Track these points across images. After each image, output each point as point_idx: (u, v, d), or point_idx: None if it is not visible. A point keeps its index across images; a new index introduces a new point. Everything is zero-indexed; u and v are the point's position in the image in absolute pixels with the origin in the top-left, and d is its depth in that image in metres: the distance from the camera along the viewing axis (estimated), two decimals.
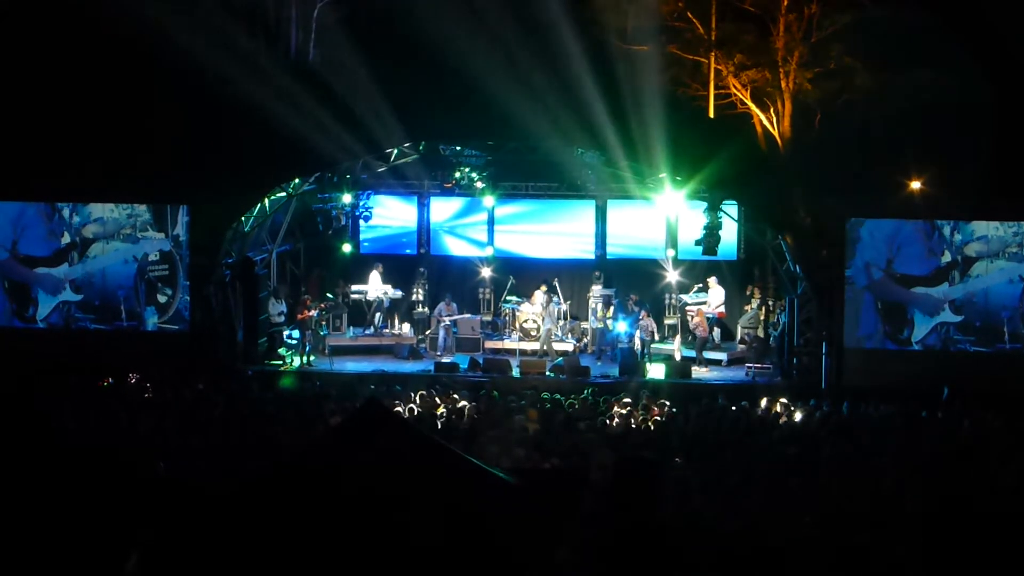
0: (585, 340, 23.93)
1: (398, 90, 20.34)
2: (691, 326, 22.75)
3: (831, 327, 20.10)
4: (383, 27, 24.32)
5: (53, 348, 20.80)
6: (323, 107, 19.91)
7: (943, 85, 21.48)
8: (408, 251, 25.37)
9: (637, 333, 22.03)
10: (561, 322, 23.66)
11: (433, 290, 24.66)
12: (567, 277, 24.60)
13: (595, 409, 16.83)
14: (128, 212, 21.19)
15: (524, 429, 14.70)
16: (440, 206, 25.33)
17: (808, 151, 22.13)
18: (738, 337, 23.65)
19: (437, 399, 17.04)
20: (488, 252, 24.80)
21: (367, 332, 23.89)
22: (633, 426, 15.66)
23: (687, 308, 23.30)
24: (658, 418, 16.24)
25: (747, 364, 21.79)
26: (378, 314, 23.96)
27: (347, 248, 24.05)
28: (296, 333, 22.86)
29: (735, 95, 23.36)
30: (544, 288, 23.49)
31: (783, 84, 22.70)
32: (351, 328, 24.16)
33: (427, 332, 23.81)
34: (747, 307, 23.88)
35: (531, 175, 24.25)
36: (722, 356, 22.60)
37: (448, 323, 23.23)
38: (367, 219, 23.73)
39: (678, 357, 22.13)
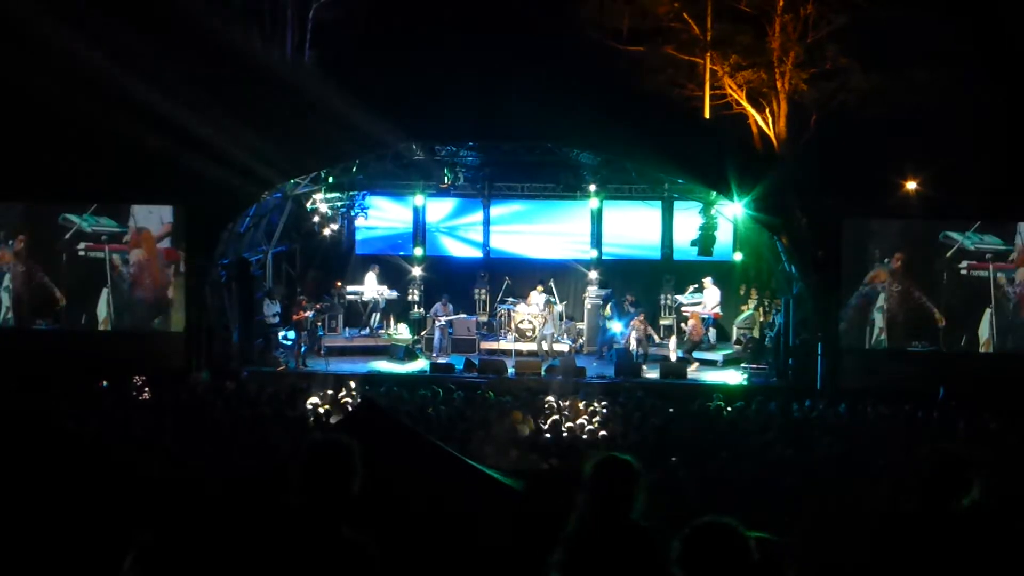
0: (581, 341, 23.94)
1: (395, 90, 20.34)
2: (686, 328, 22.72)
3: (826, 328, 20.11)
4: (379, 27, 24.30)
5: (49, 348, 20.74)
6: (319, 106, 19.89)
7: (939, 85, 21.52)
8: (403, 252, 25.38)
9: (632, 334, 22.06)
10: (558, 323, 23.66)
11: (429, 291, 24.66)
12: (563, 278, 24.61)
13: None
14: None
15: (515, 430, 14.67)
16: (436, 206, 25.34)
17: (804, 151, 22.16)
18: (734, 338, 23.67)
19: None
20: (484, 253, 24.81)
21: (363, 333, 23.88)
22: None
23: (683, 309, 23.32)
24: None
25: (742, 365, 21.81)
26: (374, 315, 23.95)
27: (343, 249, 24.06)
28: (292, 334, 22.85)
29: (731, 95, 23.42)
30: (540, 289, 23.49)
31: (779, 84, 22.76)
32: (347, 329, 24.16)
33: (423, 333, 23.80)
34: (743, 308, 23.90)
35: (527, 175, 24.25)
36: (717, 357, 22.62)
37: (444, 324, 23.22)
38: (361, 217, 23.75)
39: (673, 358, 22.15)
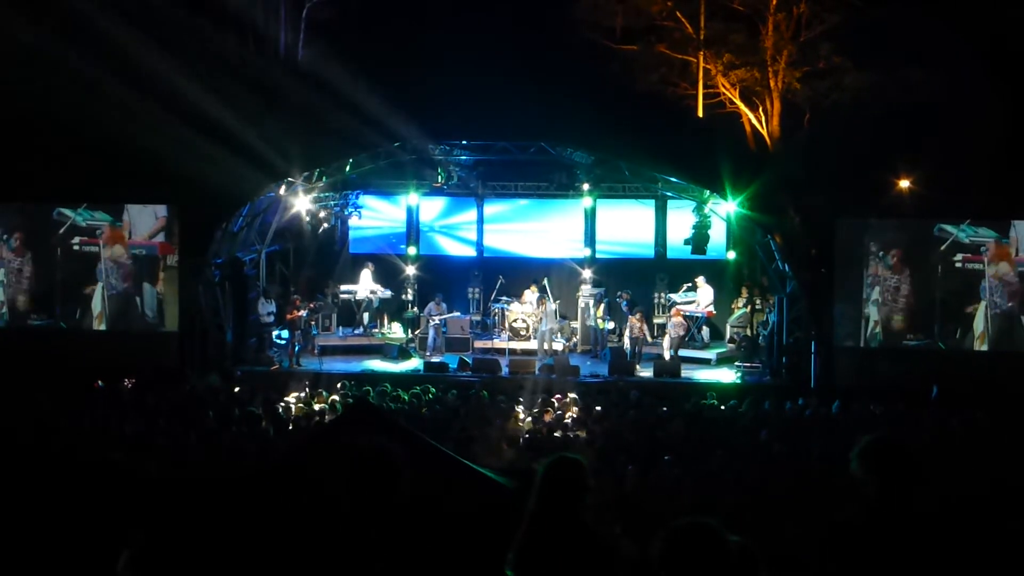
0: (575, 339, 23.96)
1: (388, 90, 20.33)
2: (668, 325, 22.63)
3: (820, 326, 20.15)
4: (372, 26, 24.28)
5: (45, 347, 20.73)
6: (312, 106, 19.89)
7: (932, 84, 21.53)
8: (397, 251, 25.39)
9: (627, 332, 22.10)
10: (556, 321, 23.67)
11: (423, 290, 24.66)
12: (556, 276, 24.63)
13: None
14: None
15: (514, 429, 14.70)
16: (429, 205, 25.35)
17: (797, 150, 22.17)
18: (727, 336, 23.70)
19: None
20: (478, 252, 24.83)
21: (356, 332, 23.88)
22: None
23: (676, 307, 23.34)
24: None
25: (736, 363, 21.84)
26: (368, 314, 23.95)
27: (336, 249, 24.07)
28: (285, 333, 22.84)
29: (724, 94, 23.41)
30: (534, 288, 23.50)
31: (772, 83, 22.75)
32: (340, 328, 24.15)
33: (417, 332, 23.81)
34: (735, 305, 23.93)
35: (520, 175, 24.27)
36: (711, 355, 22.64)
37: (438, 323, 23.23)
38: (354, 216, 23.76)
39: (667, 357, 22.16)
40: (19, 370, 17.82)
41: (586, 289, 23.93)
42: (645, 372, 21.31)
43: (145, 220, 21.15)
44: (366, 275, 24.03)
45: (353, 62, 21.78)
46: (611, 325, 22.37)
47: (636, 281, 24.19)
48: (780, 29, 22.70)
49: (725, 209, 21.93)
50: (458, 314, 23.82)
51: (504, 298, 23.80)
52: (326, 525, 4.35)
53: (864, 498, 4.68)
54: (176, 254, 21.03)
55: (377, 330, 23.79)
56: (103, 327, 21.14)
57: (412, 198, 25.00)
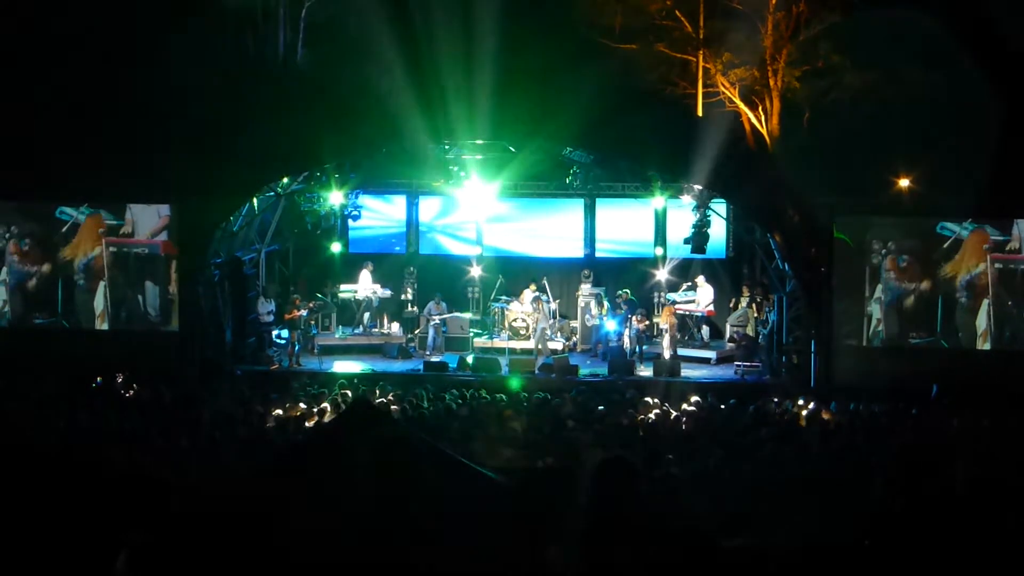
0: (574, 339, 23.94)
1: (387, 89, 20.32)
2: (663, 326, 22.60)
3: (820, 325, 20.13)
4: (371, 26, 24.25)
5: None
6: (312, 106, 19.87)
7: (932, 83, 21.53)
8: (397, 250, 25.37)
9: (626, 332, 22.09)
10: (551, 321, 23.66)
11: (422, 289, 24.63)
12: (556, 276, 24.60)
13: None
14: None
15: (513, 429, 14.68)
16: (429, 205, 25.33)
17: (796, 149, 22.16)
18: (727, 335, 23.68)
19: None
20: (477, 251, 24.80)
21: (356, 331, 23.86)
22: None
23: (675, 306, 23.32)
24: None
25: (736, 362, 21.82)
26: (367, 313, 23.93)
27: (336, 248, 24.05)
28: (285, 332, 22.83)
29: (723, 93, 23.39)
30: (533, 287, 23.49)
31: (771, 82, 22.73)
32: (340, 327, 24.14)
33: (416, 331, 23.79)
34: (732, 303, 23.92)
35: (520, 174, 24.20)
36: (711, 354, 22.63)
37: (437, 322, 23.21)
38: (356, 218, 23.74)
39: (667, 356, 22.13)
40: (22, 369, 17.85)
41: (585, 288, 23.93)
42: (645, 372, 21.30)
43: (148, 219, 21.11)
44: (365, 275, 24.02)
45: (351, 62, 21.78)
46: (613, 325, 22.32)
47: (635, 280, 24.15)
48: (779, 28, 22.68)
49: (725, 208, 21.95)
50: (457, 313, 23.80)
51: (504, 297, 23.78)
52: (326, 523, 4.34)
53: (867, 498, 4.69)
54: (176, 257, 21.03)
55: (377, 329, 23.77)
56: (105, 326, 21.10)
57: (411, 198, 24.98)
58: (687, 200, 21.68)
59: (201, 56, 21.35)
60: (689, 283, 23.47)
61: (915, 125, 21.50)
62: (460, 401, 16.77)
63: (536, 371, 21.03)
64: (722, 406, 17.31)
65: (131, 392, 17.74)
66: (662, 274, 23.81)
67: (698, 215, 21.16)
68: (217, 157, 19.52)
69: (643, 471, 4.98)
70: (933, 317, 20.10)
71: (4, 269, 21.25)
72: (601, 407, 16.53)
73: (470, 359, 21.51)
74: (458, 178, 22.88)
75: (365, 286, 23.90)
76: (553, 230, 25.12)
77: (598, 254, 24.81)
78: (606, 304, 23.17)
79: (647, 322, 22.51)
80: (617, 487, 4.89)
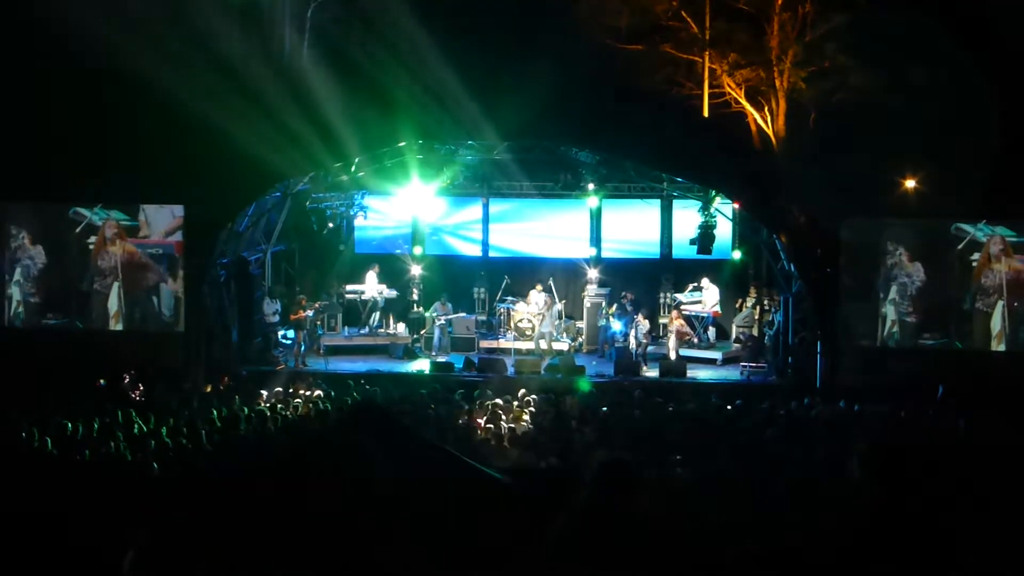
0: (580, 339, 23.94)
1: (393, 89, 20.32)
2: (670, 328, 22.58)
3: (825, 326, 20.11)
4: (376, 25, 24.29)
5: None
6: (318, 106, 19.87)
7: (937, 84, 21.51)
8: (403, 251, 25.36)
9: (632, 333, 22.09)
10: (557, 321, 23.67)
11: (428, 290, 24.63)
12: (562, 276, 24.59)
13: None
14: None
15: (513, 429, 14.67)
16: (435, 205, 25.32)
17: (802, 150, 22.15)
18: (733, 336, 23.67)
19: None
20: (483, 252, 24.82)
21: (362, 332, 23.88)
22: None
23: (682, 307, 23.32)
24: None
25: (742, 363, 21.81)
26: (374, 314, 23.94)
27: (342, 249, 24.06)
28: (291, 333, 22.85)
29: (729, 94, 23.40)
30: (540, 288, 23.49)
31: (777, 83, 22.74)
32: (346, 328, 24.16)
33: (422, 332, 23.80)
34: (738, 303, 23.90)
35: (526, 174, 24.22)
36: (717, 355, 22.62)
37: (443, 323, 23.22)
38: (360, 216, 23.76)
39: (673, 356, 22.13)
40: (34, 369, 17.90)
41: (592, 289, 23.92)
42: (651, 372, 21.31)
43: (162, 219, 21.16)
44: (371, 275, 24.03)
45: (356, 61, 21.78)
46: (619, 326, 22.32)
47: (642, 281, 24.16)
48: (785, 29, 22.70)
49: (731, 209, 21.91)
50: (463, 314, 23.81)
51: (509, 298, 23.78)
52: (326, 521, 4.35)
53: (864, 499, 4.68)
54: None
55: (383, 330, 23.78)
56: (119, 327, 21.15)
57: (418, 197, 24.95)
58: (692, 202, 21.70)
59: (206, 56, 21.33)
60: (695, 284, 23.46)
61: (922, 125, 21.46)
62: (466, 402, 16.76)
63: (542, 371, 21.03)
64: (728, 407, 17.30)
65: (137, 392, 17.78)
66: (667, 275, 23.81)
67: (704, 216, 21.15)
68: (223, 157, 19.53)
69: (647, 473, 4.96)
70: (947, 318, 20.07)
71: (17, 270, 21.31)
72: (604, 407, 16.54)
73: (476, 360, 21.52)
74: (462, 178, 22.91)
75: (371, 287, 23.92)
76: (559, 230, 25.10)
77: (604, 254, 24.76)
78: (615, 305, 23.17)
79: (648, 322, 22.48)
80: (616, 490, 4.89)
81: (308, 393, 17.68)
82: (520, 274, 24.36)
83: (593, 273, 24.06)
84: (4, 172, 20.66)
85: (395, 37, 23.37)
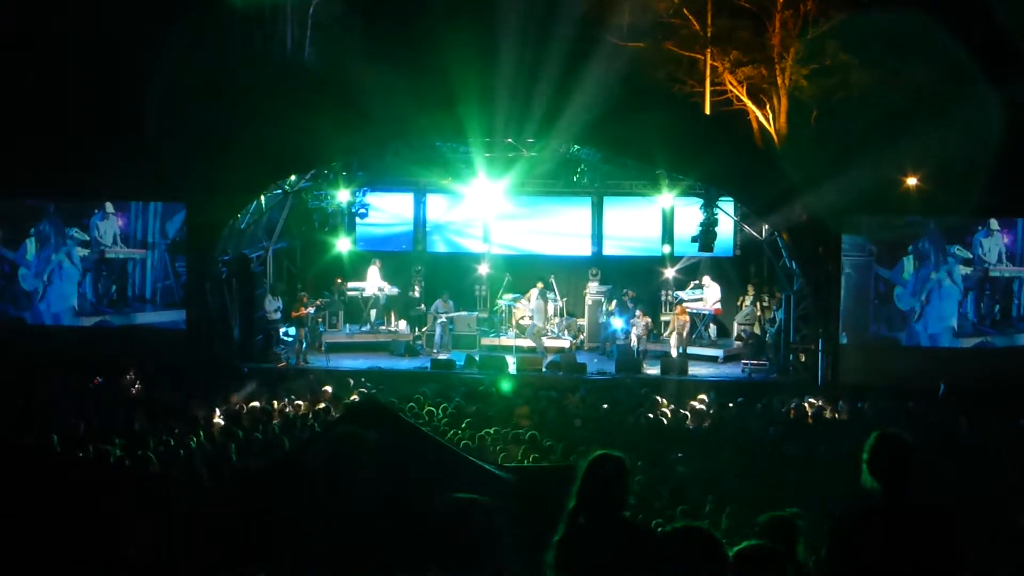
0: (582, 337, 23.93)
1: (394, 87, 20.30)
2: (673, 325, 22.59)
3: (827, 323, 20.11)
4: (379, 24, 24.27)
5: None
6: (319, 104, 19.86)
7: (940, 82, 21.48)
8: (404, 248, 25.36)
9: (633, 330, 22.09)
10: (557, 319, 23.66)
11: (430, 287, 24.63)
12: (563, 274, 24.58)
13: None
14: None
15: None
16: (436, 203, 25.31)
17: (804, 148, 22.11)
18: (734, 334, 23.66)
19: None
20: (485, 249, 24.80)
21: (363, 329, 23.89)
22: None
23: (684, 305, 23.31)
24: None
25: (743, 361, 21.81)
26: (374, 311, 23.94)
27: (344, 246, 24.00)
28: (292, 330, 22.86)
29: (731, 91, 23.34)
30: (540, 285, 23.49)
31: (779, 80, 22.68)
32: (347, 325, 24.16)
33: (423, 329, 23.79)
34: (740, 301, 23.90)
35: (527, 172, 24.19)
36: (718, 353, 22.62)
37: (444, 320, 23.21)
38: (363, 216, 23.74)
39: (674, 354, 22.13)
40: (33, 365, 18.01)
41: (593, 286, 23.91)
42: (652, 369, 21.31)
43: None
44: (373, 272, 24.03)
45: (359, 60, 21.76)
46: (620, 323, 22.33)
47: (643, 279, 24.15)
48: (787, 26, 22.63)
49: (732, 206, 21.90)
50: (465, 312, 23.80)
51: (511, 295, 23.78)
52: (326, 521, 4.35)
53: (868, 495, 4.69)
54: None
55: (384, 327, 23.79)
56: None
57: (419, 196, 24.98)
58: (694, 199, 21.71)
59: (208, 54, 21.33)
60: (696, 281, 23.45)
61: (923, 123, 21.44)
62: (467, 399, 16.80)
63: (544, 369, 21.05)
64: (730, 404, 17.32)
65: (135, 390, 17.80)
66: (670, 272, 23.79)
67: (706, 213, 21.15)
68: (224, 155, 19.54)
69: (644, 470, 4.96)
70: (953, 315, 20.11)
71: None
72: (605, 405, 16.57)
73: (477, 357, 21.53)
74: (466, 176, 22.90)
75: (372, 284, 23.92)
76: (561, 228, 25.08)
77: (606, 252, 24.74)
78: (615, 303, 23.17)
79: (647, 320, 22.48)
80: (606, 485, 4.89)
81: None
82: (521, 272, 24.33)
83: (594, 271, 24.04)
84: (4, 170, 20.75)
85: (397, 34, 23.37)
